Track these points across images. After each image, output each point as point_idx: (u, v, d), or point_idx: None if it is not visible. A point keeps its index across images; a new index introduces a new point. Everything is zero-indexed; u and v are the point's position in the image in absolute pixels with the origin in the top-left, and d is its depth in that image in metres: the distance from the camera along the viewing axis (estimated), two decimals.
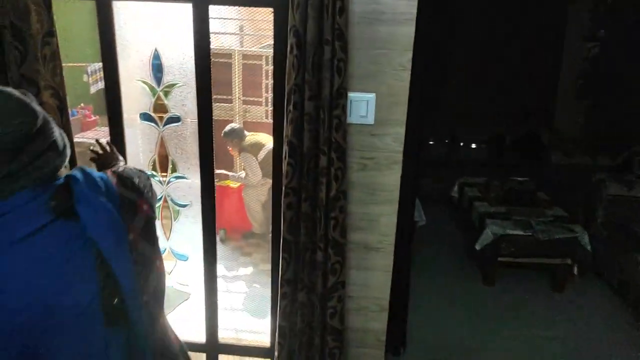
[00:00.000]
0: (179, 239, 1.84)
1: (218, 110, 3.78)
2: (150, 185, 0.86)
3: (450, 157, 5.24)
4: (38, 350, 0.68)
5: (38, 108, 0.73)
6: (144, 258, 0.79)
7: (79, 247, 0.70)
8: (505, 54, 4.75)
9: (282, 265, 1.52)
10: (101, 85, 4.41)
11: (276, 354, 1.62)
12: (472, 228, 3.50)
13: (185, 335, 1.78)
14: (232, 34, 4.04)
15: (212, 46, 1.49)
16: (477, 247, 3.04)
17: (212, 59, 1.49)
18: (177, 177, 1.79)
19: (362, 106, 1.47)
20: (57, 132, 0.76)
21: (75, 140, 3.75)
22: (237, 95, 4.16)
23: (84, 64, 4.35)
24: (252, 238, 3.91)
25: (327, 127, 1.37)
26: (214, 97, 1.54)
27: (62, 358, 0.71)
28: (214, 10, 1.63)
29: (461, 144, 5.32)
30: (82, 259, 0.70)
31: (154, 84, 1.68)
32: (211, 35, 1.48)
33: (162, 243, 1.81)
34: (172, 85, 1.68)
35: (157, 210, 1.53)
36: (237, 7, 3.18)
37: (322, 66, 1.31)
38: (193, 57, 1.50)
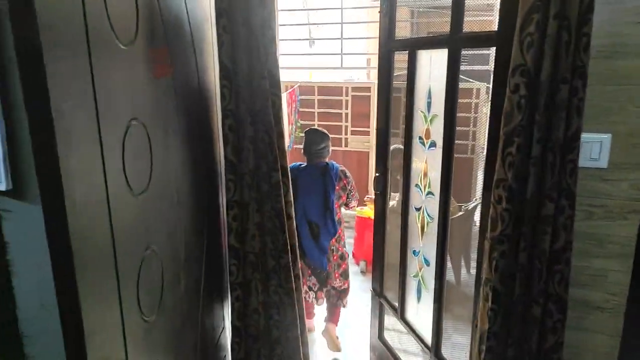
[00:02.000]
0: (427, 245, 2.07)
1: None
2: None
3: None
4: None
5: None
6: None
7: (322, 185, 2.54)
8: None
9: (490, 317, 1.41)
10: None
11: None
12: None
13: None
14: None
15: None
16: None
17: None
18: (429, 193, 2.03)
19: (594, 148, 1.32)
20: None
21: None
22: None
23: None
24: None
25: (557, 172, 1.25)
26: None
27: None
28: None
29: None
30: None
31: (427, 114, 1.99)
32: None
33: (417, 246, 2.19)
34: (434, 117, 1.93)
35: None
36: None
37: (558, 106, 1.20)
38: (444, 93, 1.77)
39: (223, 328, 1.98)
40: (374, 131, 3.93)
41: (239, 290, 1.83)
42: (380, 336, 2.54)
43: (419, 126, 2.05)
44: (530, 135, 1.26)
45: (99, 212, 1.02)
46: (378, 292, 2.48)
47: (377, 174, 2.35)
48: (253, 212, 1.75)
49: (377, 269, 2.49)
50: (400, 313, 2.31)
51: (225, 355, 2.00)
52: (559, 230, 1.28)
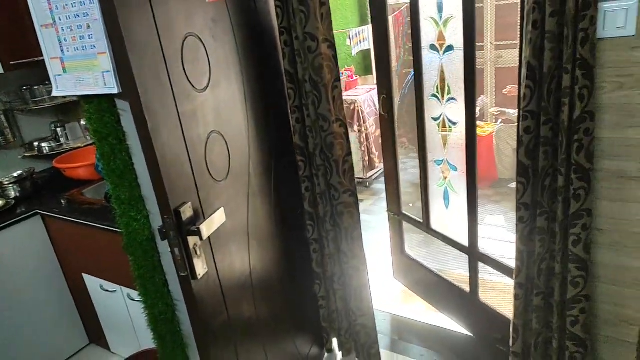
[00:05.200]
0: (452, 152, 2.20)
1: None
2: None
3: None
4: None
5: None
6: None
7: None
8: None
9: (518, 189, 1.54)
10: (362, 46, 4.90)
11: (514, 275, 1.67)
12: None
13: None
14: None
15: None
16: None
17: None
18: (450, 99, 2.08)
19: (620, 15, 1.32)
20: None
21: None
22: (488, 40, 4.07)
23: (346, 30, 4.91)
24: (499, 187, 3.87)
25: (571, 43, 1.29)
26: None
27: None
28: None
29: None
30: None
31: (438, 19, 2.01)
32: None
33: (439, 155, 2.29)
34: (448, 19, 1.96)
35: None
36: None
37: None
38: None
39: None
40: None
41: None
42: (404, 251, 2.68)
43: (430, 33, 2.05)
44: (544, 9, 1.31)
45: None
46: (396, 211, 2.60)
47: (383, 95, 2.39)
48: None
49: (391, 189, 2.59)
50: (427, 223, 2.43)
51: None
52: (575, 102, 1.34)
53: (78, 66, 1.28)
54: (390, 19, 3.83)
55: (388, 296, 2.72)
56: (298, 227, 2.04)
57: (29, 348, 2.43)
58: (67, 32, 1.26)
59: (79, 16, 1.21)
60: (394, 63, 2.47)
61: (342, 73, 4.79)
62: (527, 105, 1.43)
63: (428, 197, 2.39)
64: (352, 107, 4.35)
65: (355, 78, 5.08)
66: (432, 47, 2.06)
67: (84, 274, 2.40)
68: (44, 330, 2.50)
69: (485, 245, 2.16)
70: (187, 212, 1.23)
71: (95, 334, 2.66)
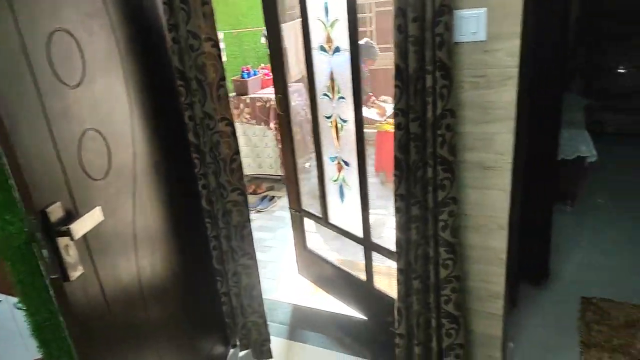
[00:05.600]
0: (344, 149, 2.29)
1: None
2: None
3: None
4: None
5: None
6: None
7: None
8: None
9: (394, 182, 1.66)
10: None
11: (396, 261, 1.80)
12: None
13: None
14: None
15: None
16: None
17: None
18: (340, 98, 2.18)
19: (471, 22, 1.47)
20: None
21: (256, 95, 4.36)
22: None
23: (261, 28, 4.91)
24: None
25: (430, 47, 1.42)
26: None
27: None
28: None
29: None
30: None
31: (325, 21, 2.09)
32: None
33: (333, 152, 2.40)
34: (334, 22, 2.05)
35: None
36: None
37: None
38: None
39: None
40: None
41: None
42: (306, 247, 2.78)
43: (319, 34, 2.14)
44: (406, 16, 1.42)
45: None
46: (297, 208, 2.70)
47: (279, 95, 2.46)
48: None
49: (291, 187, 2.68)
50: (325, 218, 2.54)
51: None
52: (436, 100, 1.47)
53: None
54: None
55: (294, 290, 2.79)
56: (196, 224, 2.03)
57: None
58: None
59: None
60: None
61: (259, 71, 4.78)
62: (397, 103, 1.55)
63: (325, 192, 2.48)
64: (267, 105, 4.36)
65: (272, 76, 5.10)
66: (322, 48, 2.15)
67: None
68: None
69: (383, 234, 2.29)
70: (56, 212, 1.19)
71: None
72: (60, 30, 1.29)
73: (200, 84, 1.69)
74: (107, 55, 1.51)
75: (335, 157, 2.35)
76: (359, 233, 2.31)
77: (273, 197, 4.24)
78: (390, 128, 3.99)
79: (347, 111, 2.12)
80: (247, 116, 4.48)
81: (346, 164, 2.29)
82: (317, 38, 2.15)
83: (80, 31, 1.37)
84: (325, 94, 2.24)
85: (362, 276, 2.39)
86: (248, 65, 4.64)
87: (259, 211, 4.00)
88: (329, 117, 2.28)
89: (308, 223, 2.71)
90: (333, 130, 2.29)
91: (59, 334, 1.62)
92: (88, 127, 1.38)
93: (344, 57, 2.02)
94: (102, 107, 1.46)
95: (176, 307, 1.92)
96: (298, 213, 2.69)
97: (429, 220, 1.65)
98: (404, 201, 1.68)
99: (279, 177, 4.54)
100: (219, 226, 1.96)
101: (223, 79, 1.75)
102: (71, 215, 1.26)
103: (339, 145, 2.30)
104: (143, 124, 1.67)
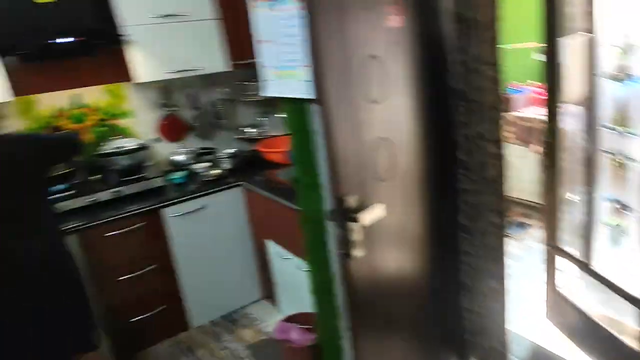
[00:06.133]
0: (626, 190, 2.05)
1: None
2: None
3: None
4: None
5: None
6: None
7: None
8: None
9: None
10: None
11: None
12: None
13: None
14: None
15: None
16: None
17: None
18: (628, 133, 1.95)
19: None
20: None
21: (521, 114, 4.09)
22: None
23: (533, 44, 4.48)
24: None
25: None
26: None
27: None
28: None
29: None
30: None
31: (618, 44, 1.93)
32: None
33: (609, 191, 2.10)
34: (631, 47, 1.87)
35: None
36: None
37: None
38: None
39: None
40: None
41: None
42: (555, 289, 2.50)
43: (609, 57, 1.92)
44: None
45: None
46: (552, 244, 2.43)
47: (549, 118, 2.19)
48: None
49: (549, 221, 2.43)
50: (586, 263, 2.25)
51: None
52: None
53: (285, 74, 1.63)
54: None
55: (536, 329, 2.60)
56: (452, 237, 2.13)
57: (214, 291, 3.05)
58: (281, 48, 1.62)
59: (290, 36, 1.55)
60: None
61: (526, 88, 4.48)
62: None
63: (590, 234, 2.27)
64: (531, 125, 4.07)
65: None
66: (610, 73, 1.98)
67: (266, 240, 2.89)
68: (229, 279, 3.10)
69: None
70: (352, 201, 1.48)
71: (267, 292, 3.18)
72: (373, 56, 1.56)
73: (479, 105, 1.77)
74: (403, 78, 1.75)
75: (612, 198, 2.09)
76: (634, 291, 1.99)
77: (524, 223, 3.96)
78: None
79: (636, 149, 1.85)
80: (509, 134, 4.26)
81: (626, 207, 2.00)
82: (604, 61, 1.99)
83: (386, 57, 1.64)
84: (609, 125, 2.02)
85: (632, 343, 2.04)
86: (517, 82, 4.39)
87: (507, 235, 3.80)
88: (609, 152, 2.05)
89: (562, 262, 2.47)
90: (613, 167, 2.04)
91: (330, 298, 1.97)
92: (383, 137, 1.64)
93: None
94: (395, 121, 1.72)
95: (420, 308, 2.07)
96: (553, 249, 2.50)
97: None
98: None
99: (535, 205, 4.18)
100: (474, 244, 2.01)
101: (500, 101, 1.78)
102: (361, 206, 1.53)
103: (619, 185, 2.04)
104: (422, 138, 1.85)
